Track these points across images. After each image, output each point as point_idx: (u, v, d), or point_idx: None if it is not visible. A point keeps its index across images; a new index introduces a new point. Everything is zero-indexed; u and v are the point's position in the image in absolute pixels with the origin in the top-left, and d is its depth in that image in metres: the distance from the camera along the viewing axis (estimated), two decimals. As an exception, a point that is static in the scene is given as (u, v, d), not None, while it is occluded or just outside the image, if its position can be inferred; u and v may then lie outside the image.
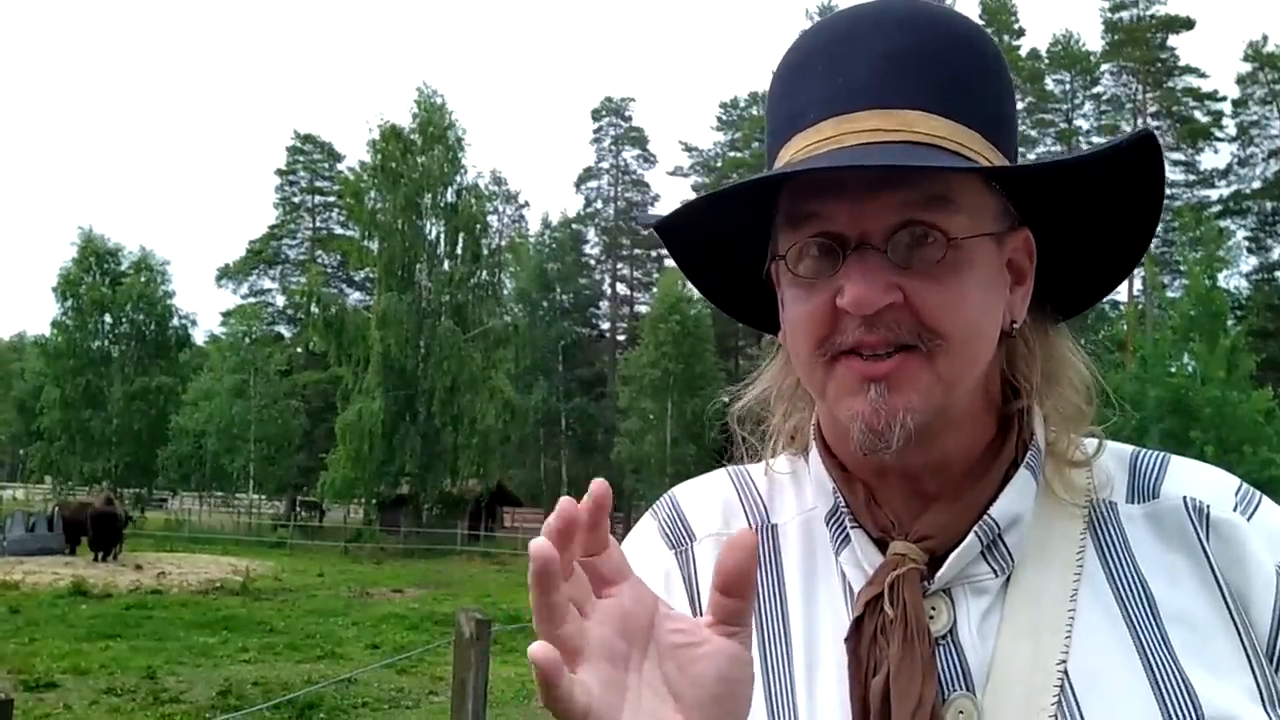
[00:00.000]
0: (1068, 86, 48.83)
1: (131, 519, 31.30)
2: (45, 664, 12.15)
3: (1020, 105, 50.38)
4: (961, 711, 0.70)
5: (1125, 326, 43.12)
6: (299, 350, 57.96)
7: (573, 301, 55.75)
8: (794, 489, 0.84)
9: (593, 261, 60.17)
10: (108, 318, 46.94)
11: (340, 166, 60.67)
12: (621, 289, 60.72)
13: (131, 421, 45.79)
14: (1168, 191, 46.72)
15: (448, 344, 39.70)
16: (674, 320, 41.53)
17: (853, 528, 0.76)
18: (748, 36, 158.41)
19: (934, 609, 0.73)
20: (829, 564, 0.78)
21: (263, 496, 52.71)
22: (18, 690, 9.87)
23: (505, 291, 48.00)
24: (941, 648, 0.72)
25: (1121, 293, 47.92)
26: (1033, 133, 49.59)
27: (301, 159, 64.62)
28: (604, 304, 60.42)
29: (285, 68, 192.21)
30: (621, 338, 58.17)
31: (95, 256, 46.88)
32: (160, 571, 24.23)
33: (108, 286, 46.48)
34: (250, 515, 48.95)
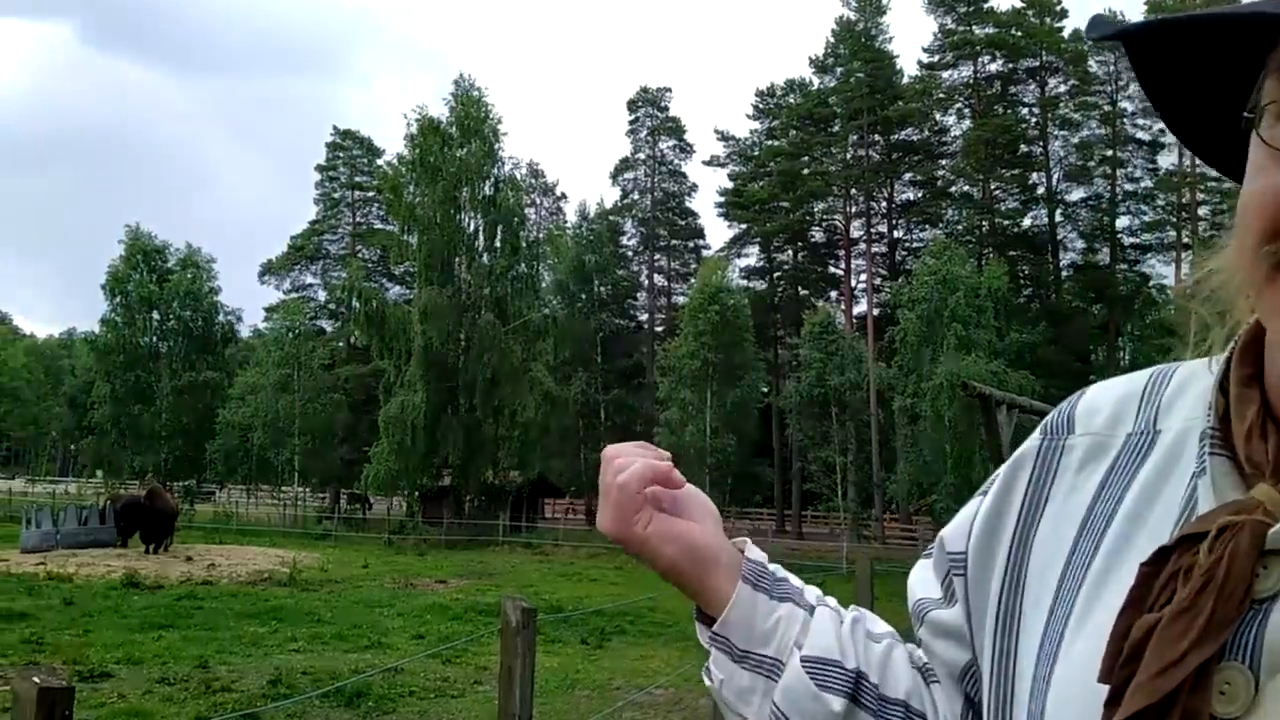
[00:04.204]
0: (1112, 68, 47.85)
1: (180, 512, 31.68)
2: (100, 654, 12.29)
3: (1063, 88, 49.56)
4: (1229, 683, 0.58)
5: (1174, 310, 42.44)
6: (341, 344, 58.42)
7: (610, 293, 55.70)
8: (1201, 392, 0.72)
9: (630, 253, 60.03)
10: (156, 314, 47.46)
11: (379, 161, 61.07)
12: (659, 280, 60.56)
13: (180, 416, 46.40)
14: (1212, 173, 45.50)
15: (488, 336, 39.86)
16: (713, 310, 41.36)
17: (1214, 454, 0.65)
18: (783, 25, 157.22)
19: (1265, 568, 0.60)
20: (1180, 483, 0.67)
21: (308, 489, 53.21)
22: (73, 680, 10.06)
23: (543, 284, 47.98)
24: (1255, 613, 0.59)
25: (1169, 276, 47.02)
26: (1076, 115, 48.74)
27: (341, 155, 65.05)
28: (641, 295, 60.27)
29: (324, 64, 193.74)
30: (659, 329, 58.06)
31: (143, 254, 47.37)
32: (210, 563, 24.49)
33: (155, 284, 46.96)
34: (296, 507, 49.34)
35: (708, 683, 0.80)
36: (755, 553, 0.81)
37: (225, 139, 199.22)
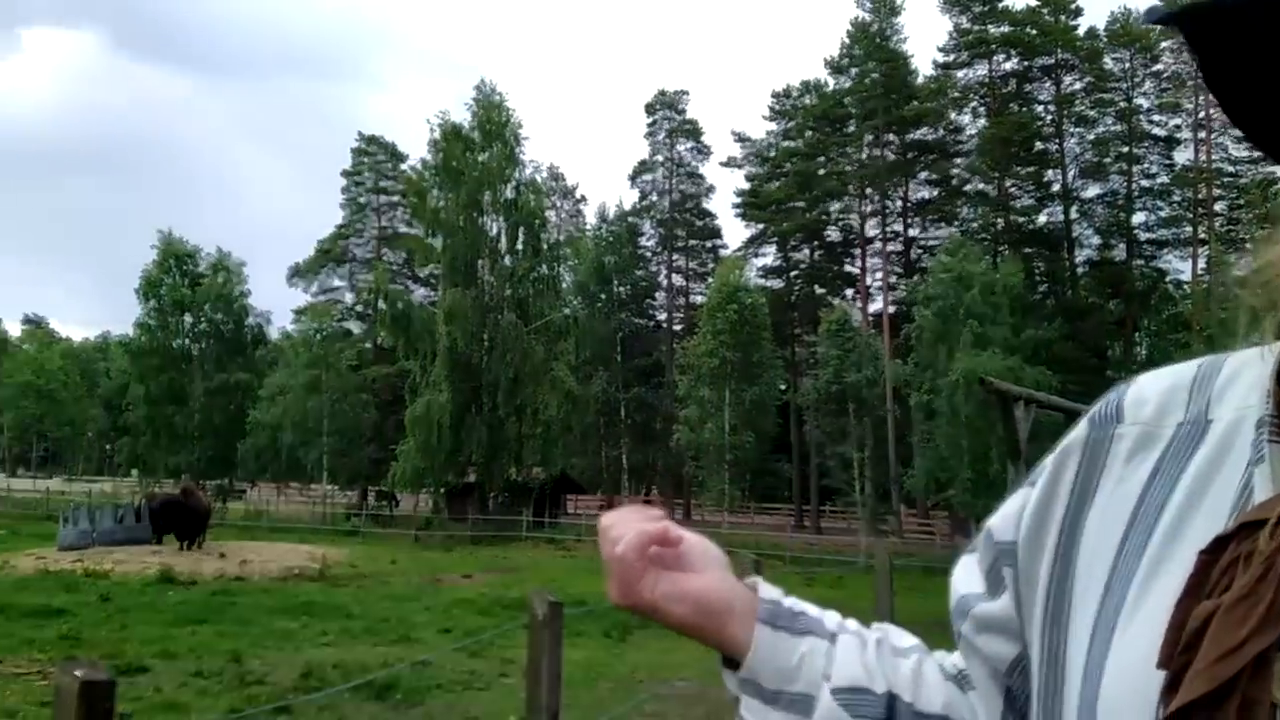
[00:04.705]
0: (1127, 65, 47.71)
1: (213, 510, 32.11)
2: (136, 649, 12.45)
3: (1078, 85, 49.44)
4: None
5: (1191, 306, 42.29)
6: (368, 345, 58.86)
7: (630, 293, 56.03)
8: (1255, 381, 0.72)
9: (649, 253, 60.12)
10: (188, 317, 47.77)
11: (403, 166, 61.60)
12: (677, 280, 60.68)
13: (212, 416, 46.71)
14: (1232, 169, 45.33)
15: (510, 337, 40.32)
16: (731, 309, 41.65)
17: (1273, 441, 0.65)
18: (797, 27, 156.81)
19: None
20: (1234, 472, 0.67)
21: (336, 487, 53.67)
22: (111, 675, 10.50)
23: (564, 285, 48.25)
24: None
25: (1185, 271, 46.92)
26: (1091, 112, 48.60)
27: (366, 160, 65.54)
28: (660, 295, 60.45)
29: (348, 71, 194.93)
30: (678, 328, 58.30)
31: (175, 259, 47.65)
32: (242, 559, 24.61)
33: (187, 287, 47.25)
34: (325, 505, 49.72)
35: None
36: (768, 591, 0.82)
37: (252, 145, 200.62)
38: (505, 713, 9.96)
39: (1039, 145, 49.29)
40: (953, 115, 52.51)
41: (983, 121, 50.86)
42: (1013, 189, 49.93)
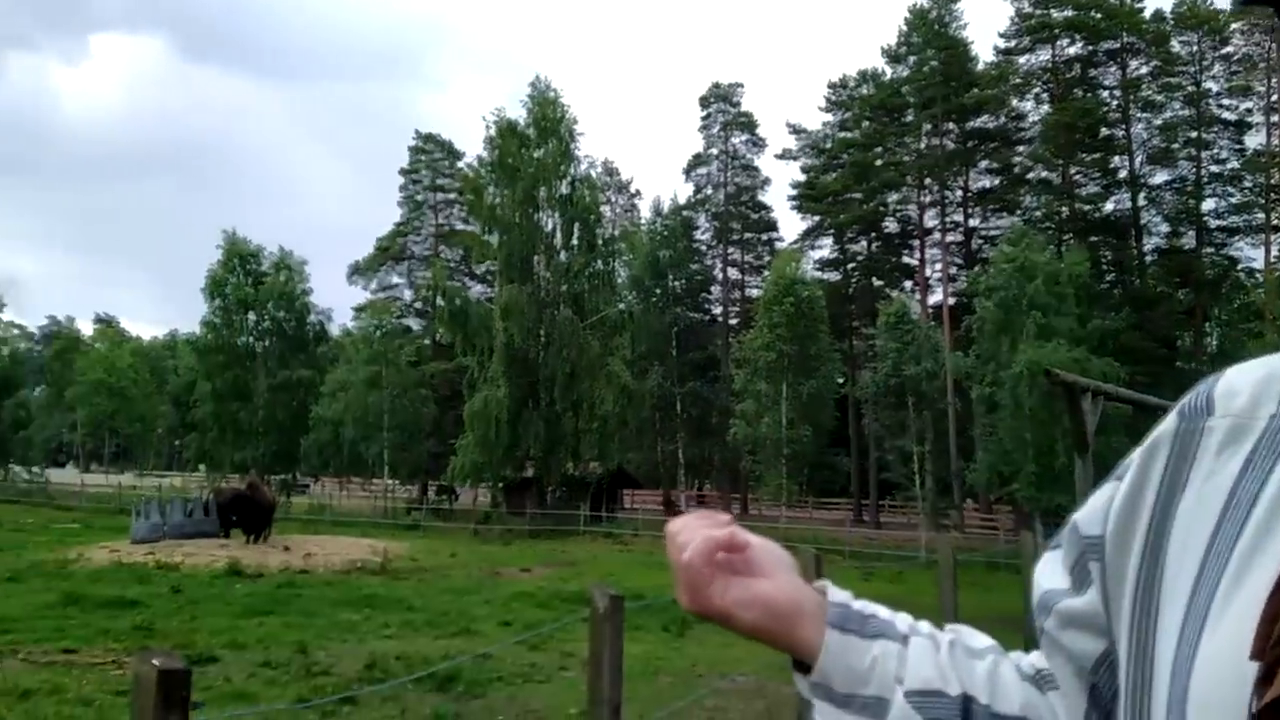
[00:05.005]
0: (1195, 48, 46.39)
1: (278, 504, 32.54)
2: (206, 639, 12.69)
3: (1145, 69, 48.24)
4: None
5: (1263, 294, 41.05)
6: (427, 342, 59.50)
7: (685, 287, 55.93)
8: None
9: (704, 247, 59.93)
10: (252, 315, 48.19)
11: (460, 164, 62.18)
12: (732, 273, 60.44)
13: (276, 412, 47.14)
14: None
15: (566, 332, 40.51)
16: (787, 302, 41.35)
17: None
18: (854, 16, 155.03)
19: None
20: None
21: (397, 481, 54.33)
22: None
23: (619, 280, 48.36)
24: None
25: (1258, 259, 45.57)
26: (1159, 97, 47.40)
27: (424, 158, 66.22)
28: (715, 289, 60.28)
29: (403, 69, 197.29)
30: (734, 321, 58.09)
31: (239, 258, 48.17)
32: (307, 552, 25.03)
33: (251, 286, 47.72)
34: (386, 499, 50.30)
35: None
36: (837, 594, 0.81)
37: (313, 145, 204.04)
38: (565, 705, 10.03)
39: (1104, 131, 48.21)
40: (1014, 102, 51.58)
41: (1046, 108, 49.88)
42: (1077, 176, 48.92)
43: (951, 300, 49.77)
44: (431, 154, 66.24)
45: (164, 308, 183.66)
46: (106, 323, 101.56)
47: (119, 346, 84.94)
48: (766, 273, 50.93)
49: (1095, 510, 0.78)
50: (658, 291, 53.17)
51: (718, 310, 60.48)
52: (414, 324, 63.13)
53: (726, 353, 53.06)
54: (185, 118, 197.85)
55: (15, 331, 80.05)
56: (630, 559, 28.97)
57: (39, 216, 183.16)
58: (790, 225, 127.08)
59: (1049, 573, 0.82)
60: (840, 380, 49.59)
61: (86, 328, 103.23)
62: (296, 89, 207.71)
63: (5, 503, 45.47)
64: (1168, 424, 0.75)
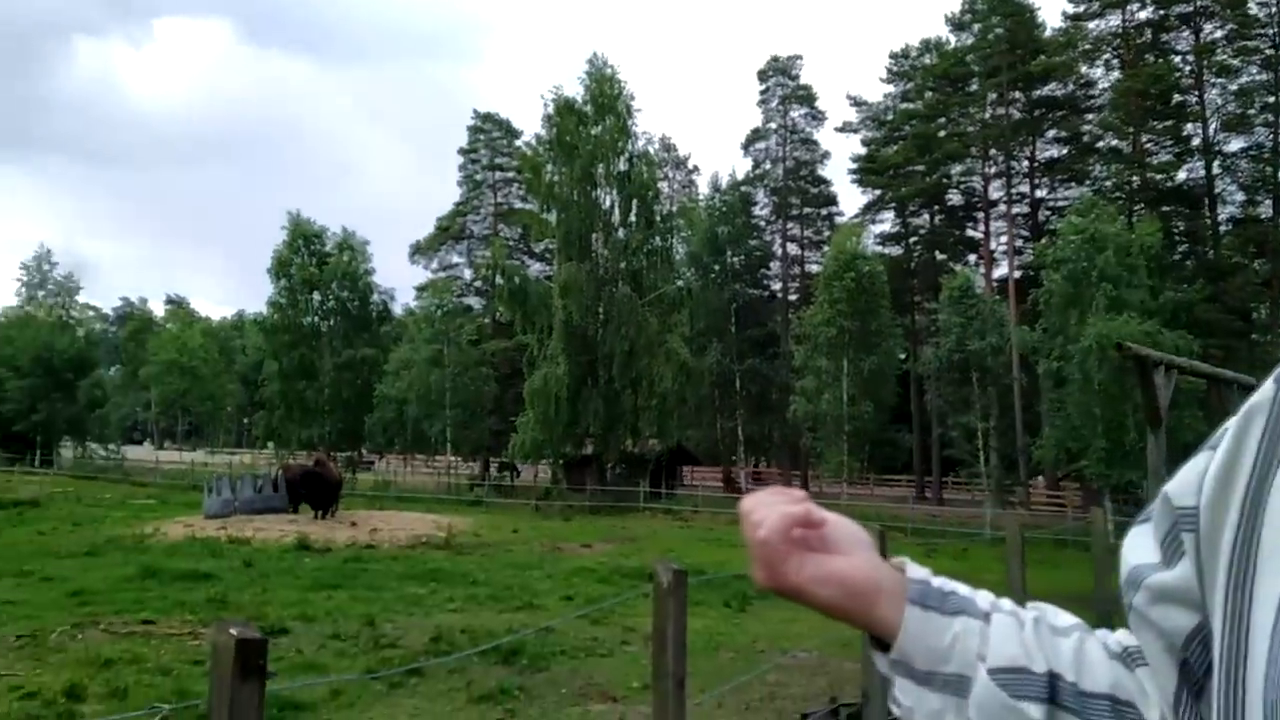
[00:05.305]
0: (1274, 9, 44.63)
1: (344, 480, 33.01)
2: (277, 611, 12.97)
3: (1219, 33, 46.53)
4: None
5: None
6: (487, 320, 60.07)
7: (743, 263, 55.59)
8: None
9: (762, 223, 59.49)
10: (316, 295, 48.92)
11: (518, 142, 62.44)
12: (792, 249, 59.94)
13: (341, 390, 47.91)
14: None
15: (625, 310, 40.56)
16: (848, 277, 40.92)
17: None
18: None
19: None
20: None
21: (459, 458, 55.13)
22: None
23: (678, 256, 48.24)
24: None
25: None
26: (1234, 61, 45.68)
27: (482, 137, 66.60)
28: (774, 265, 59.90)
29: (464, 50, 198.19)
30: (793, 297, 57.65)
31: (303, 239, 48.88)
32: (373, 528, 25.49)
33: (315, 266, 48.46)
34: (449, 475, 51.02)
35: (895, 710, 0.80)
36: (916, 571, 0.81)
37: (373, 126, 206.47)
38: (628, 679, 10.09)
39: (1177, 97, 46.68)
40: (1083, 69, 50.17)
41: (1116, 74, 48.43)
42: (1149, 144, 47.49)
43: (1017, 273, 48.80)
44: (490, 133, 66.57)
45: (231, 288, 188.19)
46: (177, 304, 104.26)
47: (189, 327, 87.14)
48: (826, 248, 50.38)
49: (1188, 481, 0.75)
50: (716, 268, 52.93)
51: (777, 286, 60.07)
52: (474, 303, 63.73)
53: (786, 329, 52.70)
54: (249, 101, 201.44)
55: (90, 313, 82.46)
56: (690, 535, 29.06)
57: (109, 200, 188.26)
58: (850, 199, 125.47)
59: (1137, 547, 0.80)
60: (902, 356, 49.02)
61: (158, 309, 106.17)
62: (357, 71, 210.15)
63: (84, 479, 47.02)
64: (1265, 391, 0.73)
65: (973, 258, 54.52)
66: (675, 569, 3.83)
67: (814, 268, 55.59)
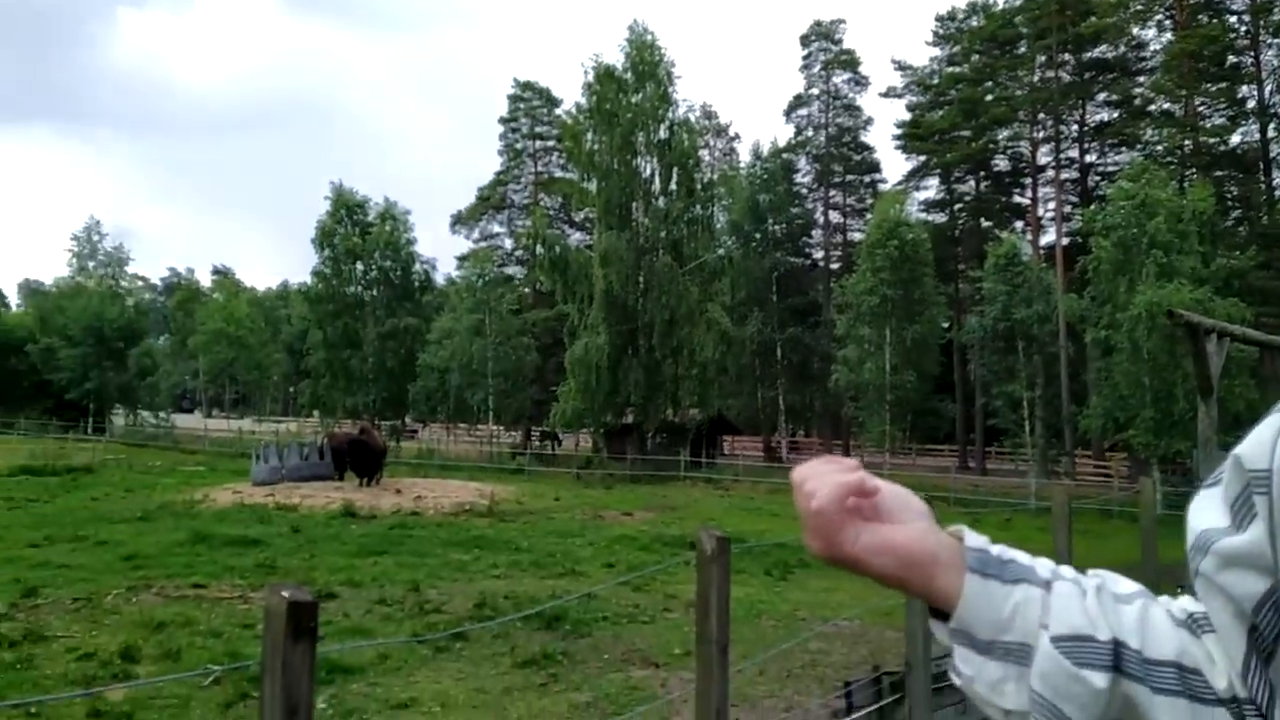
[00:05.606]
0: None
1: (388, 449, 33.29)
2: (324, 576, 13.29)
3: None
4: None
5: None
6: (528, 290, 60.33)
7: (785, 231, 55.07)
8: None
9: (804, 190, 58.86)
10: (359, 265, 49.20)
11: (558, 111, 62.29)
12: (834, 216, 59.32)
13: (384, 360, 48.19)
14: None
15: (665, 278, 40.49)
16: (891, 245, 40.41)
17: None
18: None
19: None
20: None
21: (501, 427, 55.56)
22: None
23: (718, 225, 47.99)
24: None
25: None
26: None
27: (522, 106, 66.44)
28: (816, 233, 59.32)
29: (504, 18, 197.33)
30: (835, 266, 57.14)
31: (346, 209, 49.13)
32: (417, 495, 25.81)
33: (358, 236, 48.65)
34: (491, 444, 51.49)
35: (956, 680, 0.79)
36: (974, 539, 0.79)
37: (414, 96, 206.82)
38: (669, 645, 10.18)
39: (1231, 59, 45.37)
40: (1135, 30, 48.92)
41: (1168, 35, 47.15)
42: (1202, 108, 46.26)
43: (1065, 240, 47.95)
44: (530, 101, 66.40)
45: (276, 258, 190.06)
46: (223, 274, 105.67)
47: (235, 297, 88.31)
48: (869, 215, 49.81)
49: (1261, 443, 0.73)
50: (757, 236, 52.53)
51: (819, 254, 59.56)
52: (515, 272, 63.98)
53: (828, 297, 52.29)
54: (292, 71, 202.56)
55: (139, 283, 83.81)
56: (730, 504, 29.17)
57: (156, 171, 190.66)
58: (894, 166, 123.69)
59: (1205, 511, 0.77)
60: (946, 324, 48.46)
61: (205, 279, 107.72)
62: (399, 40, 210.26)
63: (135, 446, 48.06)
64: None
65: (1019, 224, 53.65)
66: (719, 536, 3.83)
67: (856, 236, 55.02)
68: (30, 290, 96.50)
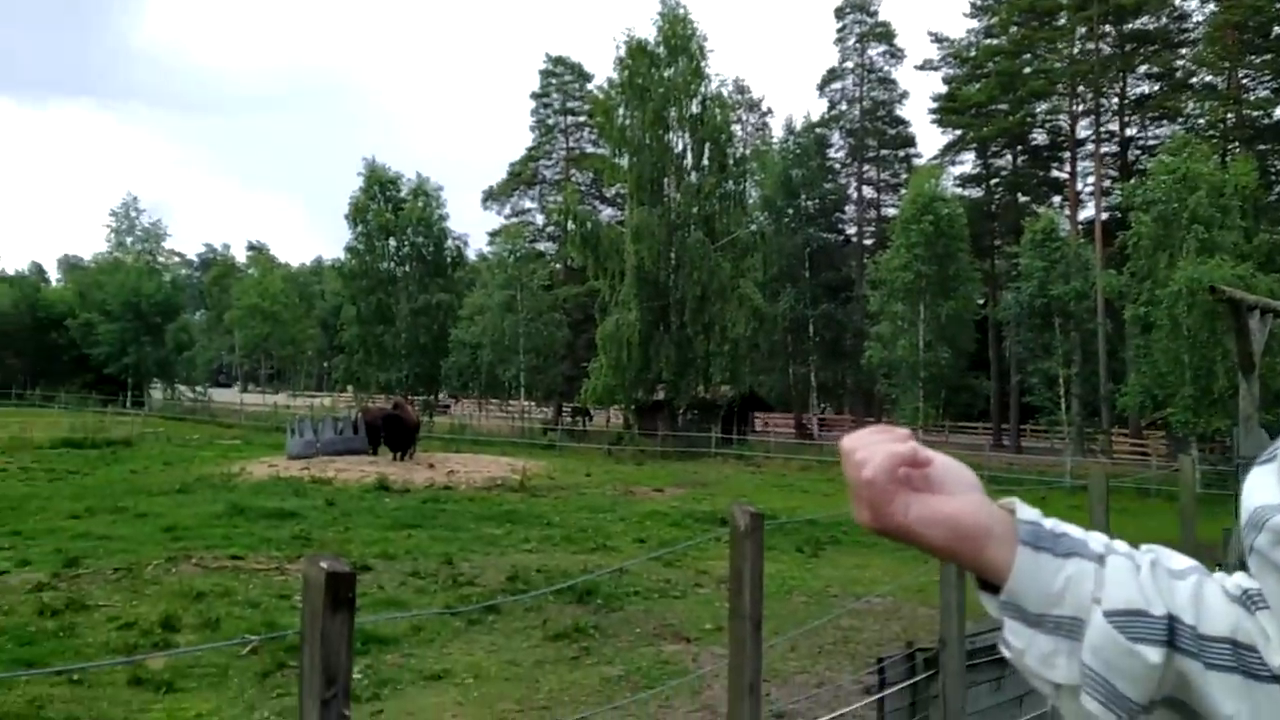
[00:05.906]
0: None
1: (421, 423, 33.60)
2: (359, 549, 13.41)
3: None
4: None
5: None
6: (559, 266, 60.38)
7: (818, 207, 54.61)
8: None
9: (838, 165, 58.31)
10: (392, 241, 49.52)
11: (590, 86, 62.04)
12: (868, 192, 58.78)
13: (417, 335, 48.63)
14: None
15: (697, 254, 40.31)
16: (926, 221, 39.94)
17: None
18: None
19: None
20: None
21: (533, 402, 55.78)
22: None
23: (751, 200, 47.71)
24: None
25: None
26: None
27: (554, 81, 66.30)
28: (849, 208, 58.80)
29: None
30: (869, 242, 56.65)
31: (379, 185, 49.42)
32: (450, 470, 26.07)
33: (391, 212, 48.96)
34: (523, 420, 51.86)
35: (1006, 654, 0.78)
36: (1027, 512, 0.78)
37: (446, 71, 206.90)
38: (700, 620, 10.21)
39: (1276, 30, 44.32)
40: (1177, 1, 47.89)
41: (1211, 6, 46.11)
42: (1246, 80, 45.28)
43: (1104, 215, 47.22)
44: (562, 76, 66.22)
45: (310, 234, 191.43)
46: (258, 250, 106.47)
47: (270, 272, 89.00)
48: (903, 190, 49.23)
49: None
50: (790, 212, 52.12)
51: (852, 230, 59.05)
52: (546, 248, 63.99)
53: (861, 274, 51.87)
54: (327, 49, 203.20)
55: (176, 259, 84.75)
56: (762, 481, 29.14)
57: (193, 147, 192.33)
58: (929, 140, 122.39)
59: (1261, 487, 0.76)
60: (981, 301, 47.94)
61: (240, 255, 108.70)
62: (431, 16, 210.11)
63: (173, 420, 48.79)
64: None
65: (1057, 199, 52.88)
66: (752, 511, 3.81)
67: (890, 211, 54.44)
68: (70, 266, 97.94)
